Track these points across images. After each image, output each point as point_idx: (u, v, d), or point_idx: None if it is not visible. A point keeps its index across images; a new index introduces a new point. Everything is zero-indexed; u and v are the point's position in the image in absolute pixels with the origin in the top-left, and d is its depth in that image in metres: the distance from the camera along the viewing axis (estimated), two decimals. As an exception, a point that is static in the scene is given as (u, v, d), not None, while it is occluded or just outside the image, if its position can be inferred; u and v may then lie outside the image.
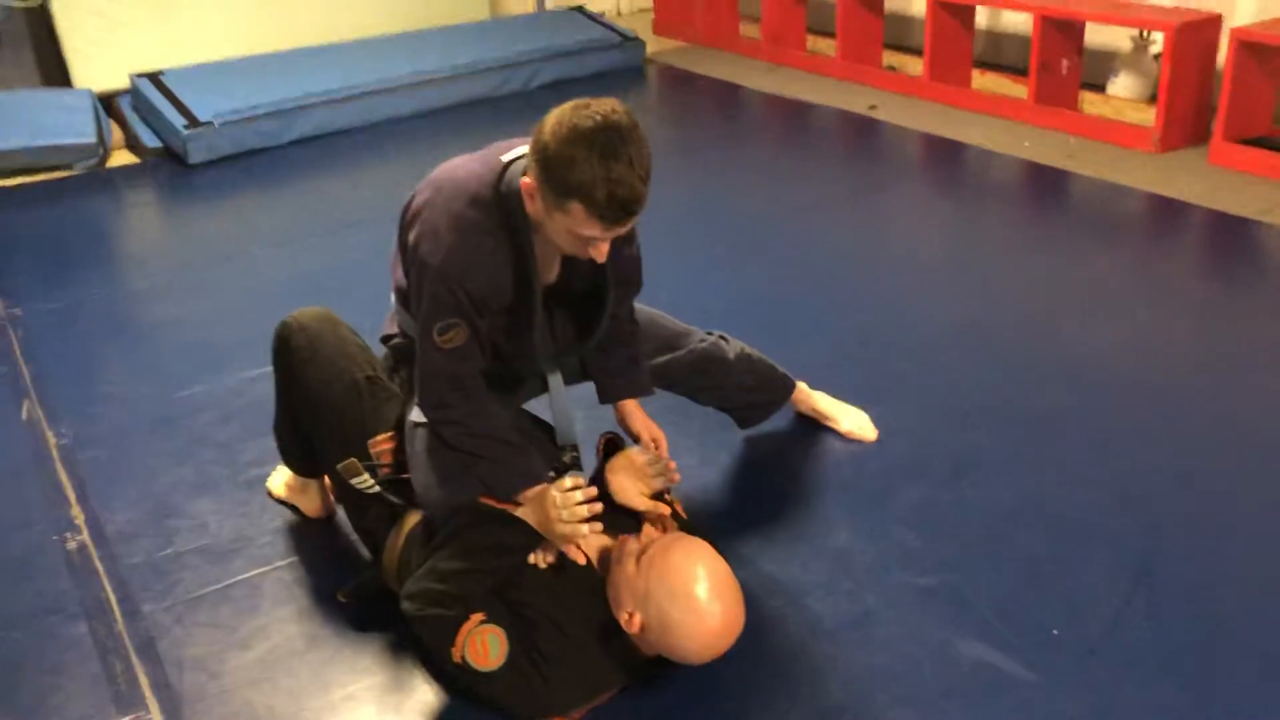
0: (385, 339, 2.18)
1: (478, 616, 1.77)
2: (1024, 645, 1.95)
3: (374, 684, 1.94)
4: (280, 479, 2.43)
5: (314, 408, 2.10)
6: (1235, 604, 2.02)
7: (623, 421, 2.14)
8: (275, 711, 1.89)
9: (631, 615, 1.77)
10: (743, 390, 2.43)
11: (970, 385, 2.80)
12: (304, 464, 2.30)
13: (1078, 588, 2.08)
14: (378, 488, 2.03)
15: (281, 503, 2.43)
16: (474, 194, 1.84)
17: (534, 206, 1.77)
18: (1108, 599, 2.04)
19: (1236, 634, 1.95)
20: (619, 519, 1.97)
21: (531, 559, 1.86)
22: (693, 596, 1.74)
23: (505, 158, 1.86)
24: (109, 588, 2.22)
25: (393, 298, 2.11)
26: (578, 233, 1.73)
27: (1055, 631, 1.97)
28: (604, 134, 1.64)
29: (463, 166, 1.91)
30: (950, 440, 2.56)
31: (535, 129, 1.71)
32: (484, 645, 1.76)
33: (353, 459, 2.02)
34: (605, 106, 1.68)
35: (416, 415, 1.98)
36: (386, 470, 2.04)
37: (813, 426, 2.62)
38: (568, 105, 1.70)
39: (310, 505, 2.37)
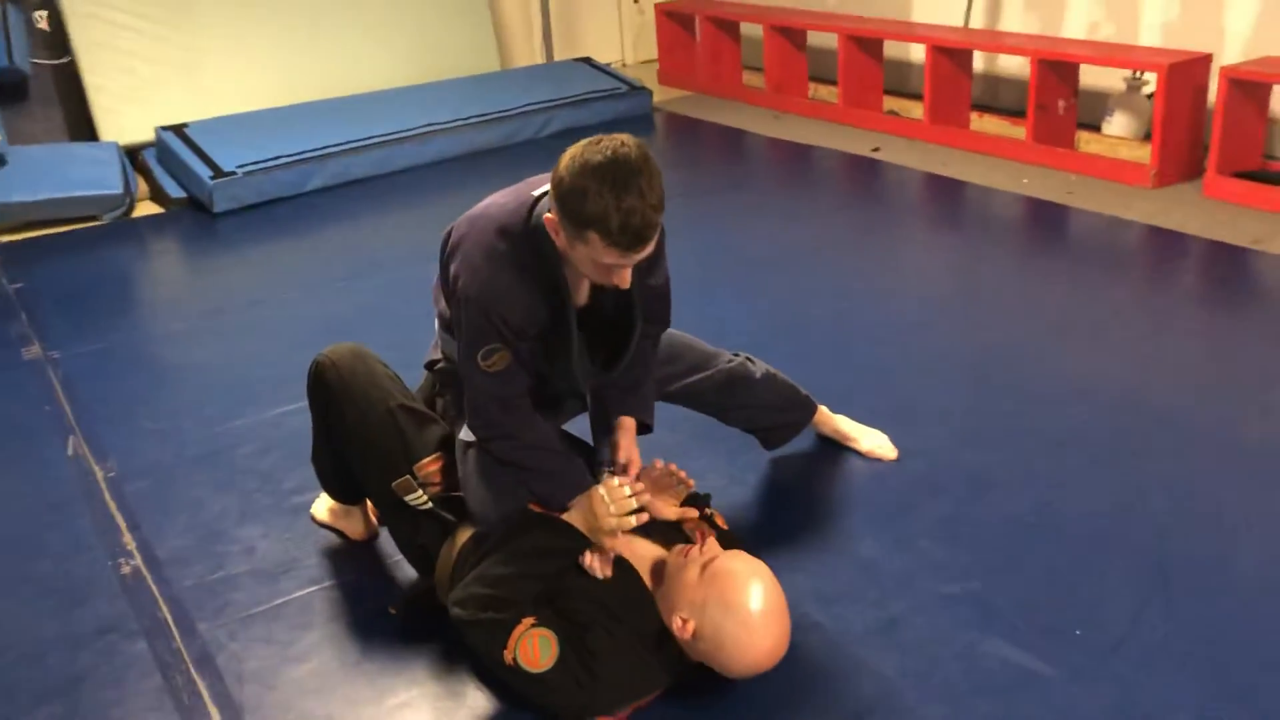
0: (430, 364, 2.29)
1: (529, 620, 1.87)
2: (1047, 645, 2.04)
3: (427, 692, 2.03)
4: (323, 505, 2.53)
5: (353, 436, 2.21)
6: (1247, 605, 2.12)
7: (614, 441, 2.17)
8: (333, 718, 1.98)
9: (685, 622, 1.86)
10: (768, 410, 2.53)
11: (984, 408, 2.91)
12: (345, 491, 2.41)
13: (1097, 592, 2.17)
14: (430, 504, 2.12)
15: (325, 527, 2.52)
16: (504, 226, 1.95)
17: (559, 240, 1.87)
18: (1126, 602, 2.13)
19: (1249, 632, 2.04)
20: (663, 530, 2.07)
21: (585, 561, 1.95)
22: (749, 614, 1.82)
23: (536, 192, 1.97)
24: (165, 608, 2.31)
25: (436, 324, 2.22)
26: (599, 261, 1.83)
27: (1078, 632, 2.06)
28: (614, 167, 1.75)
29: (495, 202, 2.02)
30: (967, 459, 2.66)
31: (554, 168, 1.83)
32: (535, 648, 1.85)
33: (407, 477, 2.12)
34: (615, 141, 1.79)
35: (466, 435, 2.08)
36: (436, 489, 2.14)
37: (834, 447, 2.72)
38: (582, 142, 1.82)
39: (354, 529, 2.47)
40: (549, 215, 1.86)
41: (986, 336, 3.33)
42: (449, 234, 2.05)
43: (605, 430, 2.18)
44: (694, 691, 1.97)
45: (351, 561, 2.42)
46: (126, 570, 2.45)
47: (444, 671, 2.07)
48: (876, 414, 2.79)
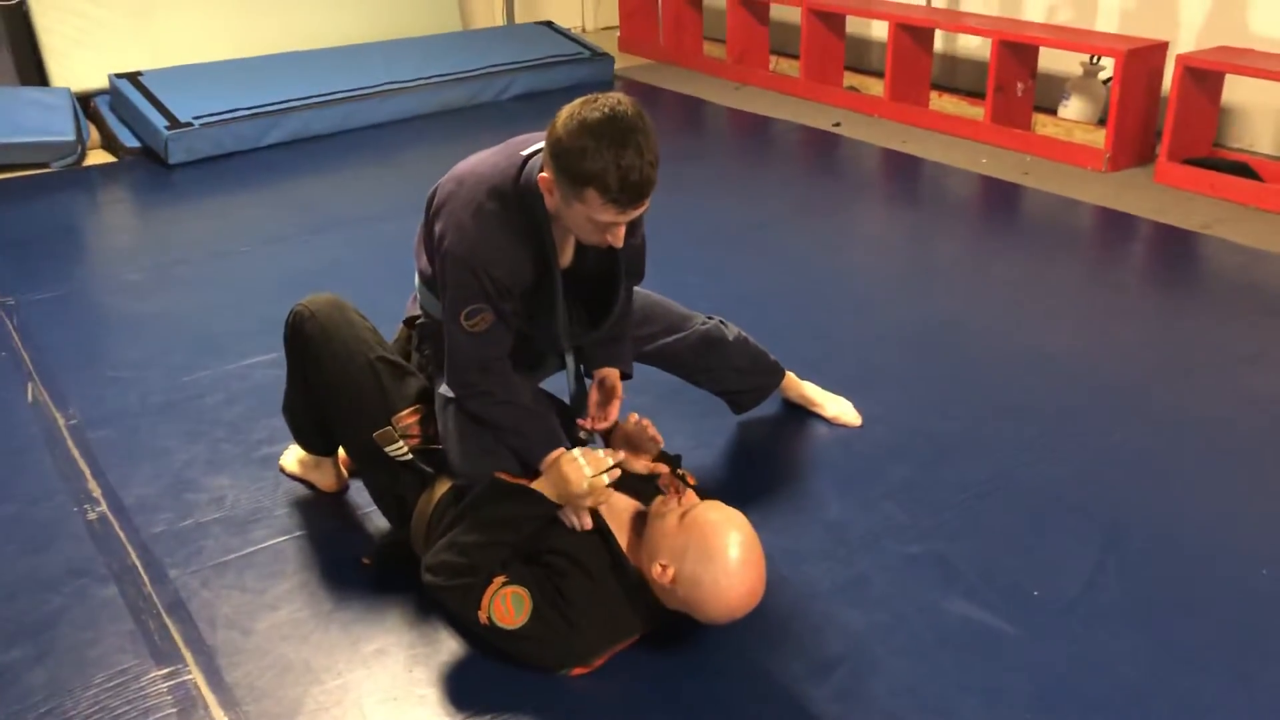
0: (410, 320, 2.30)
1: (500, 579, 1.90)
2: (1006, 604, 2.11)
3: (402, 640, 2.05)
4: (293, 456, 2.53)
5: (332, 388, 2.21)
6: (1196, 565, 2.22)
7: (597, 390, 2.21)
8: (310, 663, 2.00)
9: (665, 568, 1.90)
10: (739, 373, 2.58)
11: (944, 378, 2.98)
12: (317, 442, 2.41)
13: (1053, 553, 2.25)
14: (410, 455, 2.14)
15: (295, 479, 2.53)
16: (495, 186, 1.96)
17: (552, 199, 1.89)
18: (1081, 563, 2.22)
19: (1198, 594, 2.14)
20: (636, 485, 2.11)
21: (564, 515, 1.99)
22: (728, 560, 1.86)
23: (525, 152, 1.98)
24: (134, 554, 2.30)
25: (417, 280, 2.23)
26: (595, 219, 1.85)
27: (1035, 592, 2.14)
28: (612, 124, 1.78)
29: (485, 161, 2.03)
30: (928, 426, 2.73)
31: (549, 127, 1.84)
32: (509, 605, 1.89)
33: (388, 428, 2.13)
34: (612, 100, 1.82)
35: (445, 390, 2.10)
36: (415, 441, 2.15)
37: (801, 413, 2.77)
38: (577, 101, 1.84)
39: (325, 480, 2.47)
40: (543, 175, 1.87)
41: (944, 309, 3.41)
42: (434, 192, 2.05)
43: (584, 384, 2.21)
44: (665, 644, 2.01)
45: (322, 511, 2.43)
46: (93, 516, 2.43)
47: (418, 619, 2.09)
48: (836, 382, 2.84)
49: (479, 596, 1.89)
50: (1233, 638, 2.03)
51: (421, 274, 2.18)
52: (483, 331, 2.00)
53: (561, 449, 2.03)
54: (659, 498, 2.04)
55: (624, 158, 1.77)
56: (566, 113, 1.82)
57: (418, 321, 2.27)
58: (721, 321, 2.56)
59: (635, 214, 1.87)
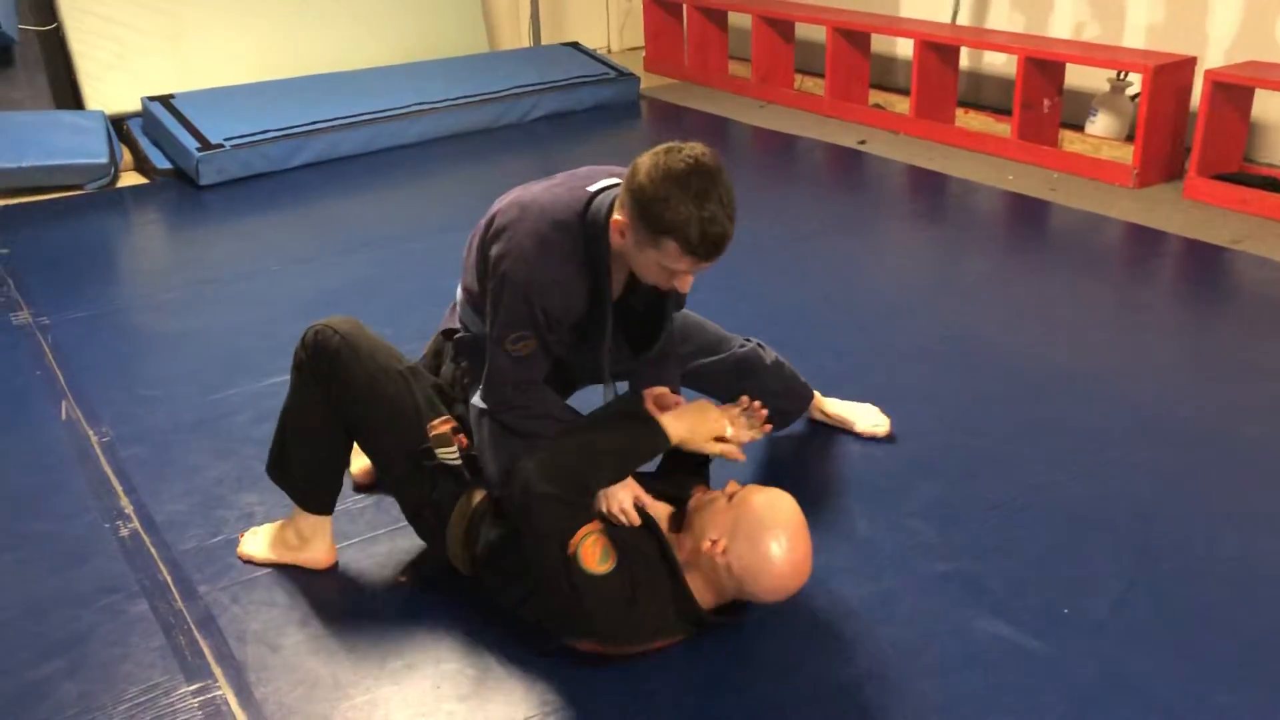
0: (448, 332, 2.32)
1: (597, 524, 1.93)
2: (1036, 622, 2.09)
3: (430, 655, 2.05)
4: (263, 541, 2.35)
5: (365, 401, 2.18)
6: (1228, 586, 2.19)
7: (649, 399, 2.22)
8: (338, 679, 2.00)
9: (716, 542, 1.93)
10: (772, 396, 2.56)
11: (972, 395, 2.97)
12: (324, 495, 2.28)
13: (1084, 572, 2.23)
14: (461, 460, 2.14)
15: (270, 565, 2.32)
16: (559, 219, 1.98)
17: (622, 241, 1.92)
18: (1112, 581, 2.20)
19: (1231, 612, 2.11)
20: (668, 494, 2.13)
21: (611, 509, 2.01)
22: (778, 532, 1.92)
23: (591, 189, 2.01)
24: (165, 570, 2.32)
25: (460, 295, 2.25)
26: (669, 267, 1.89)
27: (1065, 610, 2.12)
28: (697, 176, 1.81)
29: (548, 191, 2.04)
30: (957, 443, 2.72)
31: (629, 170, 1.87)
32: (598, 550, 1.90)
33: (444, 431, 2.13)
34: (696, 150, 1.85)
35: (479, 402, 2.11)
36: (465, 445, 2.16)
37: (827, 431, 2.77)
38: (660, 148, 1.86)
39: (318, 553, 2.30)
40: (617, 218, 1.90)
41: (971, 326, 3.39)
42: (492, 216, 2.06)
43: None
44: (692, 658, 2.01)
45: (350, 529, 2.44)
46: (125, 533, 2.45)
47: (446, 635, 2.10)
48: (864, 398, 2.83)
49: (574, 527, 1.89)
50: (1268, 656, 2.00)
51: (466, 290, 2.20)
52: (524, 356, 2.02)
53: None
54: (697, 490, 2.08)
55: (706, 210, 1.80)
56: (650, 160, 1.84)
57: (456, 335, 2.29)
58: (759, 345, 2.56)
59: (708, 266, 1.90)
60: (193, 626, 2.15)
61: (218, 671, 2.03)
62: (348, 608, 2.19)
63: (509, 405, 2.05)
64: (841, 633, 2.09)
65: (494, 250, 2.00)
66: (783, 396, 2.61)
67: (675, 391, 2.26)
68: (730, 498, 1.99)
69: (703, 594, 1.99)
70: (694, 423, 2.07)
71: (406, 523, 2.29)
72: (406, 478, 2.19)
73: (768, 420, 2.62)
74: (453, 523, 2.13)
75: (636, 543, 1.97)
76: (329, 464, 2.27)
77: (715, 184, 1.81)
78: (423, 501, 2.18)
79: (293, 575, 2.29)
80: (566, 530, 1.89)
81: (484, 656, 2.04)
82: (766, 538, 1.92)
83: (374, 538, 2.41)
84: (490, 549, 2.05)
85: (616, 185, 2.00)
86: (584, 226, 1.97)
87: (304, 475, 2.27)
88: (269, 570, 2.31)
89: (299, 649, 2.08)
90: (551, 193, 2.02)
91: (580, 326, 2.06)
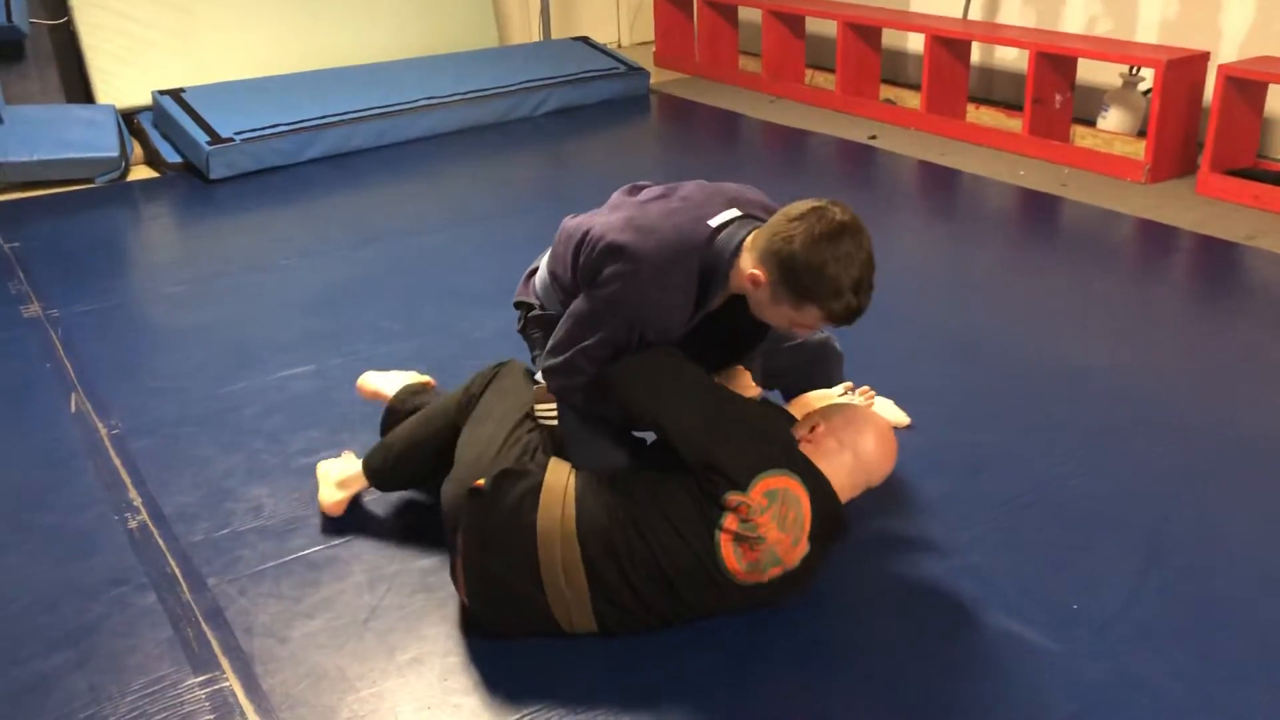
0: (523, 305, 2.35)
1: None
2: (1046, 619, 2.08)
3: (436, 649, 2.05)
4: (338, 465, 2.49)
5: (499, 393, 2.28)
6: (1239, 583, 2.17)
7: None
8: (345, 672, 2.00)
9: (815, 428, 2.09)
10: (807, 376, 2.55)
11: (981, 391, 2.96)
12: (387, 476, 2.39)
13: (1093, 569, 2.22)
14: (556, 420, 2.16)
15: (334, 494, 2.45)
16: (681, 256, 1.99)
17: (754, 290, 1.96)
18: (1122, 578, 2.19)
19: (1241, 609, 2.10)
20: None
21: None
22: (858, 407, 2.18)
23: (713, 223, 2.02)
24: (173, 562, 2.33)
25: (545, 275, 2.28)
26: (799, 322, 1.96)
27: (1075, 606, 2.11)
28: (858, 268, 1.89)
29: (668, 219, 2.03)
30: (966, 440, 2.71)
31: (781, 233, 1.90)
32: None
33: (541, 388, 2.18)
34: (846, 218, 1.91)
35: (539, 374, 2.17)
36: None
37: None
38: (810, 213, 1.91)
39: (333, 499, 2.43)
40: (755, 271, 1.93)
41: (981, 322, 3.38)
42: (601, 234, 2.03)
43: None
44: (706, 656, 2.01)
45: (359, 521, 2.44)
46: (133, 525, 2.46)
47: (454, 628, 2.10)
48: (876, 392, 2.82)
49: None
50: (1277, 654, 1.99)
51: (554, 275, 2.23)
52: (596, 356, 2.06)
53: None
54: None
55: (860, 298, 1.91)
56: (804, 229, 1.88)
57: (532, 313, 2.31)
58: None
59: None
60: (200, 618, 2.15)
61: (225, 663, 2.04)
62: (355, 601, 2.19)
63: (563, 373, 2.10)
64: (847, 630, 2.09)
65: (608, 270, 1.99)
66: (813, 372, 2.56)
67: (754, 373, 2.32)
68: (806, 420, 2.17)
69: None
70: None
71: (408, 520, 2.29)
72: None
73: (784, 395, 2.62)
74: (548, 488, 2.03)
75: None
76: (414, 468, 2.34)
77: (869, 268, 1.91)
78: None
79: (301, 568, 2.30)
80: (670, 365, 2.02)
81: (491, 650, 2.04)
82: (858, 410, 2.15)
83: (381, 533, 2.40)
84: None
85: (738, 218, 2.03)
86: (702, 260, 1.99)
87: (398, 453, 2.34)
88: (277, 563, 2.31)
89: (306, 641, 2.08)
90: (672, 222, 2.01)
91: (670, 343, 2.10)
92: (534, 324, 2.32)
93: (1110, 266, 3.84)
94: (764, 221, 2.03)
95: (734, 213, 2.04)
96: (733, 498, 1.92)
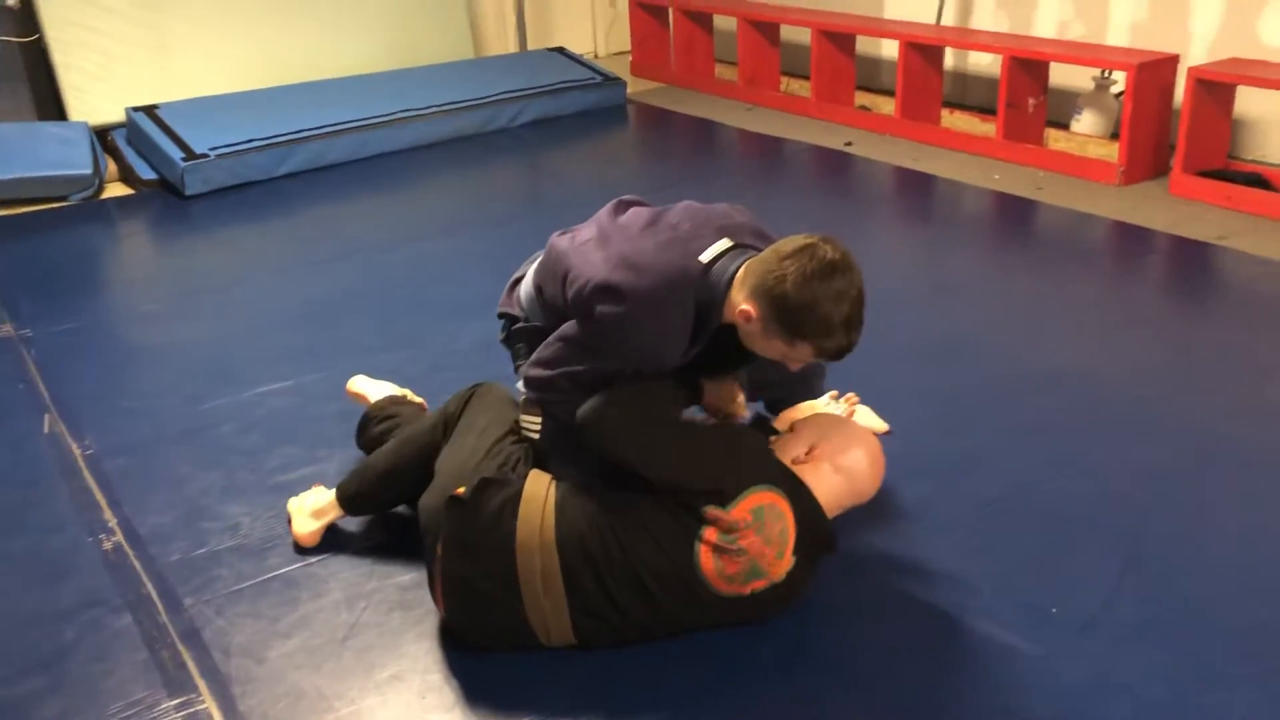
0: (508, 317, 2.35)
1: None
2: (1025, 622, 2.09)
3: (415, 666, 2.04)
4: (314, 503, 2.43)
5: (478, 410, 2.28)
6: (1218, 583, 2.18)
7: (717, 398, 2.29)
8: (323, 691, 1.99)
9: (810, 449, 2.10)
10: (783, 384, 2.52)
11: (959, 395, 2.96)
12: (359, 502, 2.38)
13: (1072, 571, 2.23)
14: (538, 435, 2.16)
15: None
16: (674, 293, 1.98)
17: (745, 324, 1.96)
18: (1101, 580, 2.19)
19: (1221, 610, 2.11)
20: None
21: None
22: (851, 424, 2.23)
23: (704, 258, 2.01)
24: (149, 583, 2.30)
25: (530, 289, 2.28)
26: (791, 357, 1.97)
27: (1054, 610, 2.12)
28: (849, 305, 1.89)
29: (659, 253, 2.01)
30: (944, 443, 2.71)
31: (773, 271, 1.89)
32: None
33: (526, 401, 2.18)
34: (847, 268, 1.90)
35: (522, 377, 2.16)
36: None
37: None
38: (803, 251, 1.89)
39: (306, 530, 2.39)
40: (746, 308, 1.92)
41: (958, 326, 3.39)
42: (593, 272, 2.02)
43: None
44: (684, 667, 2.00)
45: (336, 539, 2.42)
46: (108, 546, 2.44)
47: (432, 645, 2.08)
48: (855, 399, 2.83)
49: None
50: (1258, 655, 1.99)
51: (540, 290, 2.23)
52: (582, 382, 2.06)
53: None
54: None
55: (851, 336, 1.92)
56: (796, 268, 1.88)
57: (517, 325, 2.31)
58: None
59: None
60: (176, 640, 2.13)
61: (201, 685, 2.02)
62: (333, 620, 2.17)
63: (550, 390, 2.11)
64: (832, 636, 2.08)
65: (601, 309, 1.98)
66: (795, 384, 2.57)
67: (741, 385, 2.31)
68: (791, 427, 2.21)
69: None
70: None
71: (385, 537, 2.28)
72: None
73: (768, 407, 2.62)
74: (525, 502, 2.02)
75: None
76: (390, 490, 2.34)
77: (860, 304, 1.91)
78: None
79: (279, 587, 2.28)
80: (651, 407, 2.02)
81: (471, 666, 2.03)
82: (847, 427, 2.17)
83: (358, 551, 2.39)
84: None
85: (730, 249, 2.02)
86: (698, 299, 1.98)
87: (373, 479, 2.34)
88: (254, 582, 2.29)
89: (284, 661, 2.07)
90: (665, 258, 2.00)
91: (663, 374, 2.10)
92: (519, 336, 2.31)
93: (1085, 268, 3.86)
94: (756, 250, 2.02)
95: (725, 243, 2.03)
96: (711, 511, 1.92)
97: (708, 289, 1.99)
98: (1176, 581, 2.19)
